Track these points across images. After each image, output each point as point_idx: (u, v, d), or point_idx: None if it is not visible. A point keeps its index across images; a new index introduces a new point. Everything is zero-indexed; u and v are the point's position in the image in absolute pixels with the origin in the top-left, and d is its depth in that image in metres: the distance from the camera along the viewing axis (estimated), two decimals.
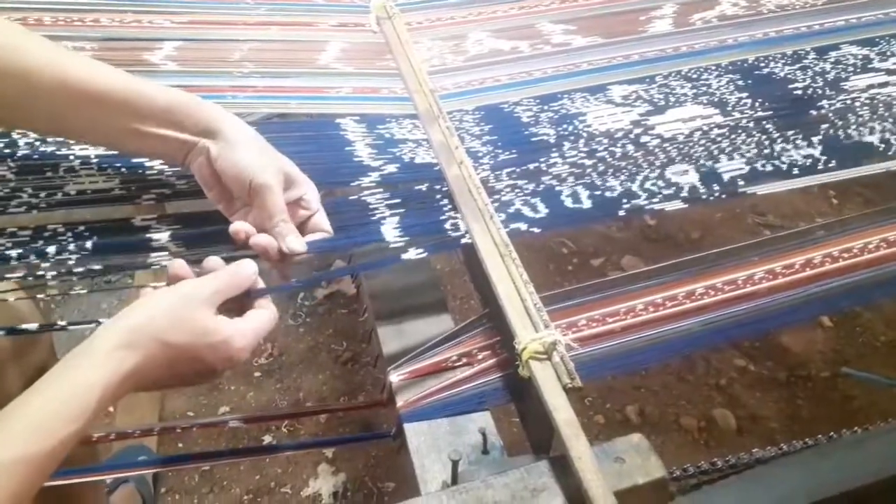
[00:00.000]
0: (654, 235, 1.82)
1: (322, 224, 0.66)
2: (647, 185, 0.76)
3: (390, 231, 0.70)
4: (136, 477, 1.23)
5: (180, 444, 1.39)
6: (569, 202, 0.74)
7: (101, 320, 0.56)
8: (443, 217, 0.72)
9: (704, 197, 0.76)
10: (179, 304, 0.52)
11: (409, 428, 0.62)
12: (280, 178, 0.63)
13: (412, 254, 0.68)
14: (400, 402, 0.63)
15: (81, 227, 0.68)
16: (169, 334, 0.51)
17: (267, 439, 1.43)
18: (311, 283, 0.63)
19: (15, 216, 0.68)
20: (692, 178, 0.77)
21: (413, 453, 0.60)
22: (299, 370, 1.58)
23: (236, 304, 0.58)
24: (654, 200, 0.75)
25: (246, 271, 0.58)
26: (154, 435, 1.19)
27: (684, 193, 0.76)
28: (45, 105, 0.60)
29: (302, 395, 1.53)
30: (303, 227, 0.66)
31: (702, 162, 0.79)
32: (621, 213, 0.74)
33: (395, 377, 0.65)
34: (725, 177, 0.77)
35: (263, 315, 0.58)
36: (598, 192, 0.75)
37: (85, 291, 0.81)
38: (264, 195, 0.62)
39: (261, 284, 0.60)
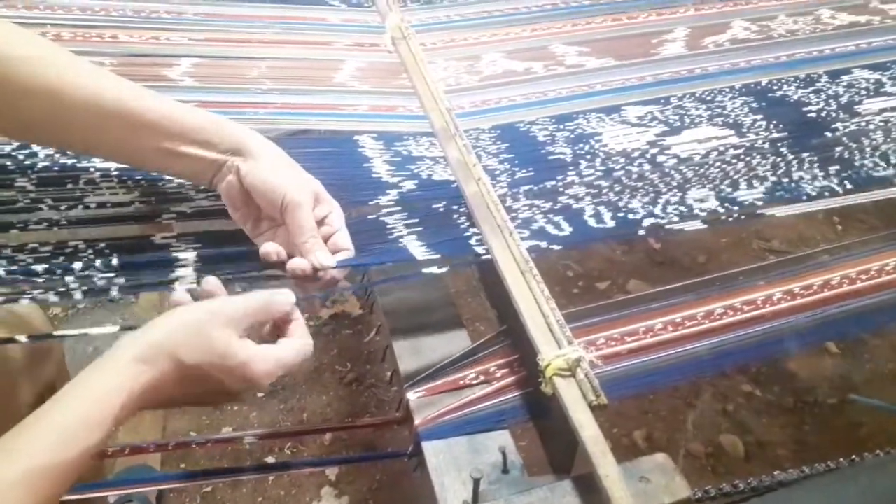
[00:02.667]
0: (660, 259, 1.82)
1: (344, 243, 0.66)
2: (669, 208, 0.76)
3: (415, 248, 0.69)
4: (140, 497, 1.21)
5: (182, 465, 1.38)
6: (591, 221, 0.74)
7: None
8: (466, 234, 0.72)
9: (723, 218, 0.76)
10: (200, 321, 0.51)
11: (427, 446, 0.61)
12: (311, 196, 0.64)
13: (432, 269, 0.68)
14: (418, 419, 0.62)
15: (102, 244, 0.67)
16: (183, 352, 0.50)
17: (270, 461, 1.41)
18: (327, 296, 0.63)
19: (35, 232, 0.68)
20: (711, 203, 0.77)
21: (432, 471, 0.59)
22: (303, 391, 1.57)
23: (271, 330, 0.57)
24: (674, 220, 0.75)
25: (282, 300, 0.57)
26: (168, 450, 1.18)
27: (703, 214, 0.76)
28: (75, 123, 0.60)
29: (306, 416, 1.51)
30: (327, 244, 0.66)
31: (720, 186, 0.79)
32: (641, 231, 0.74)
33: (412, 395, 0.64)
34: (745, 201, 0.78)
35: (294, 344, 0.56)
36: (619, 214, 0.75)
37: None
38: (295, 212, 0.62)
39: (297, 315, 0.58)
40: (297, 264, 0.62)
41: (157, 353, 0.49)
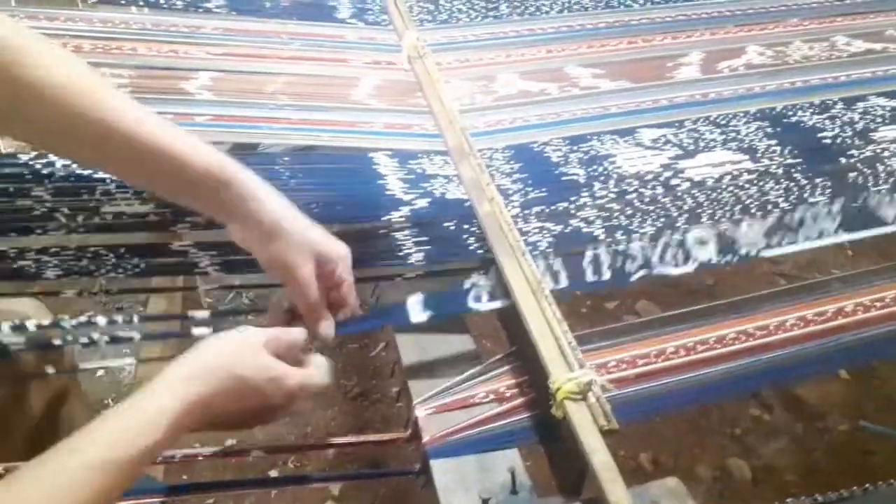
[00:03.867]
0: (669, 281, 1.81)
1: (347, 298, 0.67)
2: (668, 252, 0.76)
3: (414, 306, 0.69)
4: None
5: (184, 476, 1.37)
6: (588, 272, 0.74)
7: None
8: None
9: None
10: (242, 343, 0.57)
11: (435, 464, 0.61)
12: (310, 262, 0.64)
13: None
14: (426, 436, 0.62)
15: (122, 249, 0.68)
16: (237, 367, 0.54)
17: (273, 474, 1.40)
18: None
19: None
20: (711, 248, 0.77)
21: (440, 491, 0.59)
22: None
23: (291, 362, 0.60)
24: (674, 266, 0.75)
25: (297, 334, 0.62)
26: (174, 463, 1.17)
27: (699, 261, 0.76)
28: (115, 153, 0.61)
29: (309, 430, 1.51)
30: (329, 296, 0.67)
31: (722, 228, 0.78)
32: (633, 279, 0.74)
33: (420, 411, 0.64)
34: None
35: (317, 373, 0.61)
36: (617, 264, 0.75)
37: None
38: (294, 281, 0.63)
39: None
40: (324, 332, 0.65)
41: (211, 370, 0.53)
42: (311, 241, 0.64)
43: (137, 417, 0.50)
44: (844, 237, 0.80)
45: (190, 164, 0.61)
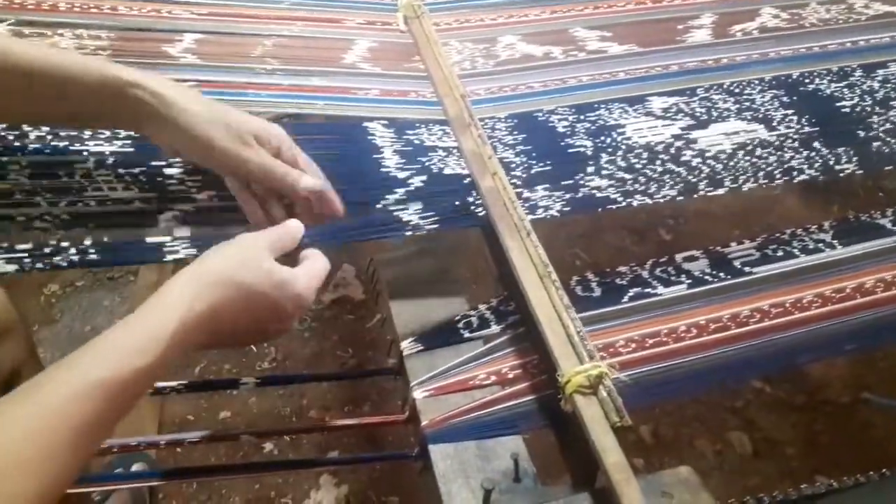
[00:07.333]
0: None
1: (308, 168, 0.66)
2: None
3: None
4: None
5: (178, 450, 1.35)
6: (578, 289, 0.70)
7: None
8: None
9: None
10: (245, 250, 0.54)
11: (434, 450, 0.57)
12: (254, 145, 0.62)
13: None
14: (424, 420, 0.58)
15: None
16: (242, 275, 0.51)
17: (268, 447, 1.38)
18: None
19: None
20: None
21: (439, 478, 0.56)
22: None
23: (289, 261, 0.58)
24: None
25: (296, 227, 0.60)
26: (160, 448, 1.15)
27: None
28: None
29: (305, 402, 1.48)
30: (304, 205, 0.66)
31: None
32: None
33: (418, 393, 0.61)
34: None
35: (316, 261, 0.59)
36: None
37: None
38: (252, 171, 0.62)
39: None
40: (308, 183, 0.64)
41: (216, 280, 0.50)
42: (245, 129, 0.62)
43: (140, 333, 0.46)
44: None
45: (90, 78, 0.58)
